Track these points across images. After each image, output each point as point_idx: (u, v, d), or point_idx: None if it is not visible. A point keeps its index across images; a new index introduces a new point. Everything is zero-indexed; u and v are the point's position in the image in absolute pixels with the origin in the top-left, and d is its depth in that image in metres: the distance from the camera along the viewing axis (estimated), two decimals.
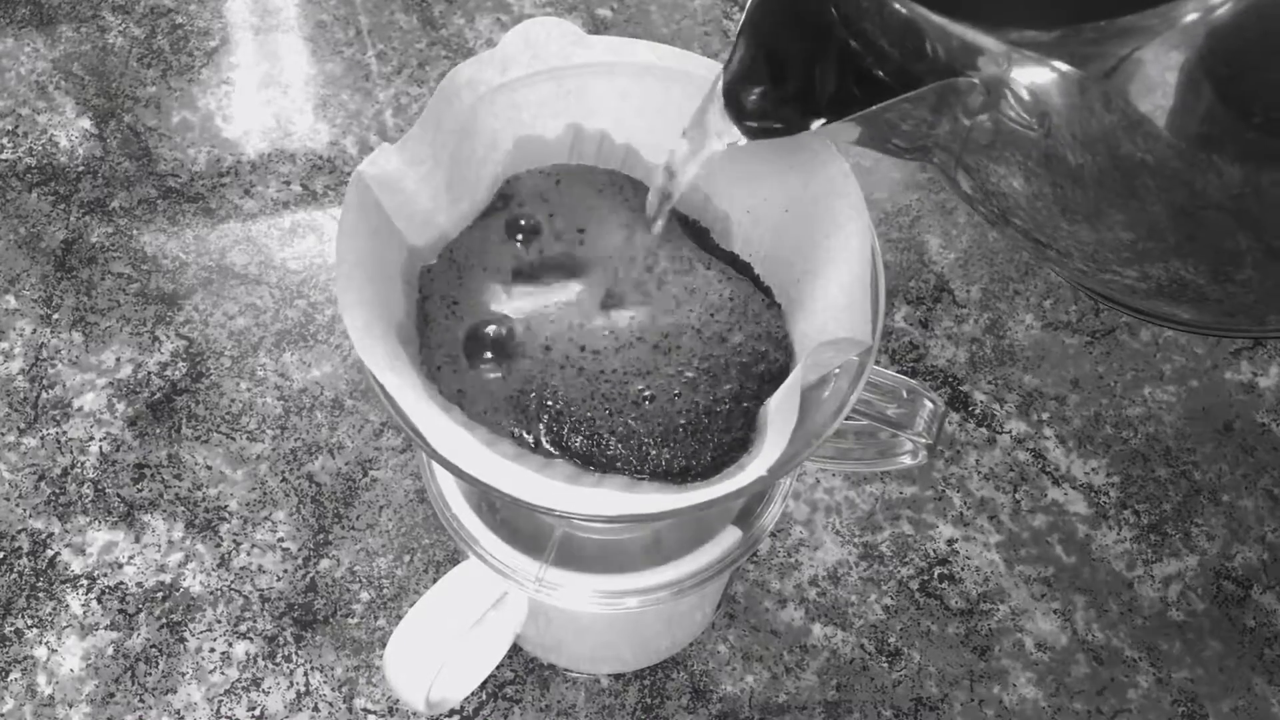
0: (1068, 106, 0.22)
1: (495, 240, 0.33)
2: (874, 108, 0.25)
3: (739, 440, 0.30)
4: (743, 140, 0.29)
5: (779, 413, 0.28)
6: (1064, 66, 0.22)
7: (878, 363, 0.30)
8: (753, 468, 0.28)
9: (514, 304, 0.32)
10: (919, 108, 0.24)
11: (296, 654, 0.47)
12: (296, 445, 0.51)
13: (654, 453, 0.30)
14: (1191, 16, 0.21)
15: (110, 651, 0.47)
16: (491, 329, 0.32)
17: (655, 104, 0.33)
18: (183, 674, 0.46)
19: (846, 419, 0.30)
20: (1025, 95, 0.23)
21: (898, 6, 0.24)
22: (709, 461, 0.30)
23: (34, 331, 0.54)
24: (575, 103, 0.33)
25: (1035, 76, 0.22)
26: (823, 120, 0.27)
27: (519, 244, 0.33)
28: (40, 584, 0.48)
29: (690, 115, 0.31)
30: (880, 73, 0.26)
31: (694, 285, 0.33)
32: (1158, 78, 0.22)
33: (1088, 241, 0.25)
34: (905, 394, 0.34)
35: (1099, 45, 0.22)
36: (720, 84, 0.29)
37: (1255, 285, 0.24)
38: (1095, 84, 0.22)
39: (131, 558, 0.48)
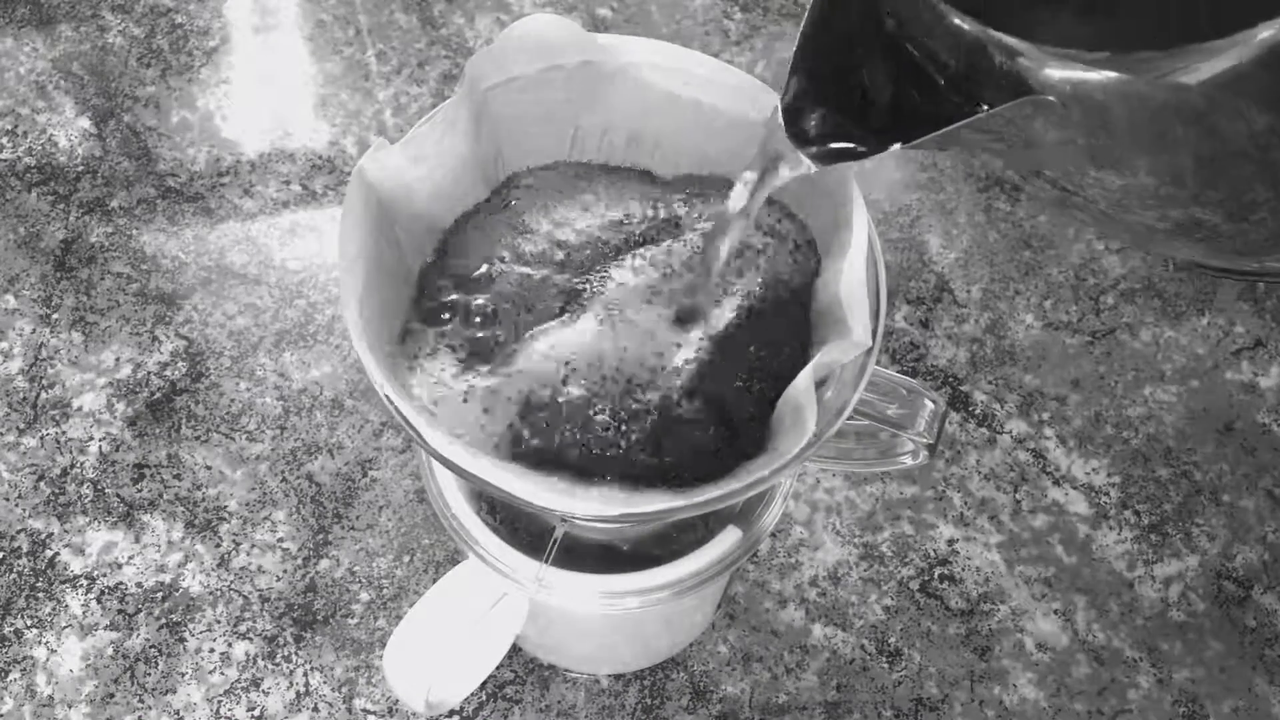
0: (1125, 105, 0.23)
1: (492, 238, 0.33)
2: (954, 126, 0.24)
3: (743, 452, 0.30)
4: (813, 168, 0.27)
5: (795, 417, 0.28)
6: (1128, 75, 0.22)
7: (878, 363, 0.30)
8: (757, 469, 0.28)
9: (511, 303, 0.32)
10: (993, 122, 0.24)
11: (296, 654, 0.47)
12: (296, 445, 0.51)
13: (654, 463, 0.30)
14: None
15: (110, 652, 0.46)
16: (484, 332, 0.31)
17: (655, 101, 0.33)
18: (182, 674, 0.46)
19: (847, 419, 0.29)
20: (1091, 101, 0.23)
21: (961, 24, 0.24)
22: (714, 467, 0.30)
23: (33, 331, 0.54)
24: (575, 100, 0.33)
25: (1100, 88, 0.23)
26: (899, 144, 0.25)
27: (516, 242, 0.33)
28: (40, 584, 0.48)
29: (689, 111, 0.31)
30: (941, 80, 0.25)
31: (695, 286, 0.33)
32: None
33: (1113, 188, 0.25)
34: (906, 394, 0.34)
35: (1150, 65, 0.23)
36: (779, 112, 0.27)
37: (1269, 225, 0.25)
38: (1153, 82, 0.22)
39: (131, 558, 0.48)
